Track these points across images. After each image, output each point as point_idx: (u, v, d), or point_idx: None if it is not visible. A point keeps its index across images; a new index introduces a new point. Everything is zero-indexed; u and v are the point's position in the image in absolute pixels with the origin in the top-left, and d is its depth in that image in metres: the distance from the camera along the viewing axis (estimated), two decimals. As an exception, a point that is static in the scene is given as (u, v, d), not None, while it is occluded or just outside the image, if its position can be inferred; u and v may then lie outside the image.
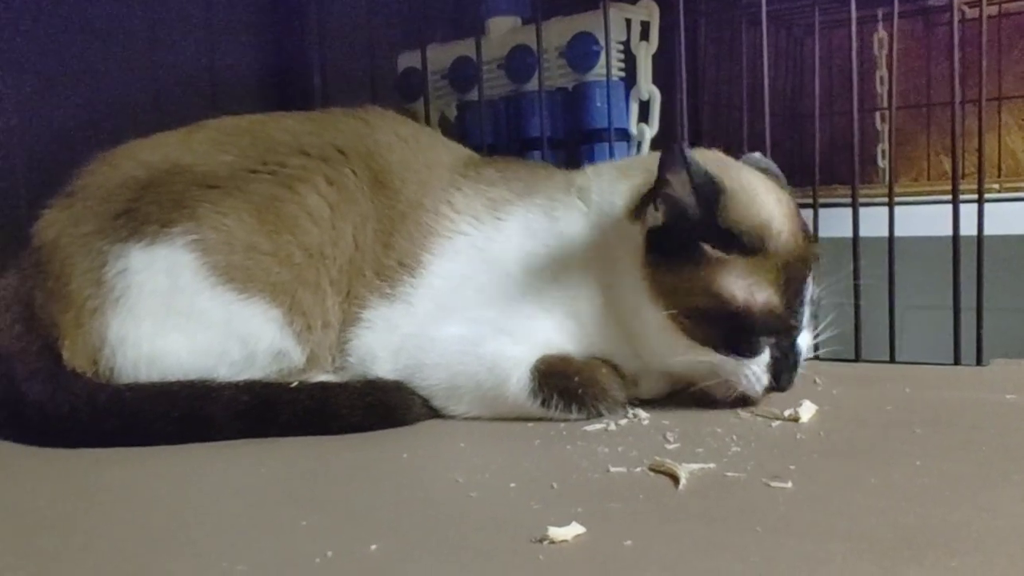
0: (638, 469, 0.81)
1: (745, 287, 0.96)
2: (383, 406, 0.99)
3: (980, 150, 1.31)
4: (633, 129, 1.54)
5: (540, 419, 0.99)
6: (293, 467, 0.88)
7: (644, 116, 1.54)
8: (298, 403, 0.97)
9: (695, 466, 0.80)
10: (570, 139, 1.56)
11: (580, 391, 0.98)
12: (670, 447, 0.87)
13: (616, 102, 1.49)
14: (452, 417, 1.02)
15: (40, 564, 0.66)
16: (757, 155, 1.16)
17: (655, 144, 1.53)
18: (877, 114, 2.30)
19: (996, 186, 1.87)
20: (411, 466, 0.87)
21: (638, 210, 1.02)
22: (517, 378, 0.98)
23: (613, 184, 1.07)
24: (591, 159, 1.45)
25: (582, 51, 1.50)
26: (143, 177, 1.05)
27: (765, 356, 0.98)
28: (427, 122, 1.60)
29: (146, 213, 1.01)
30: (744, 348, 0.97)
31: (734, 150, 1.13)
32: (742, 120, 1.43)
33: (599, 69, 1.49)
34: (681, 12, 1.38)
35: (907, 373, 1.24)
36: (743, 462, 0.82)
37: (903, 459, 0.81)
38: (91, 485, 0.85)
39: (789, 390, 1.01)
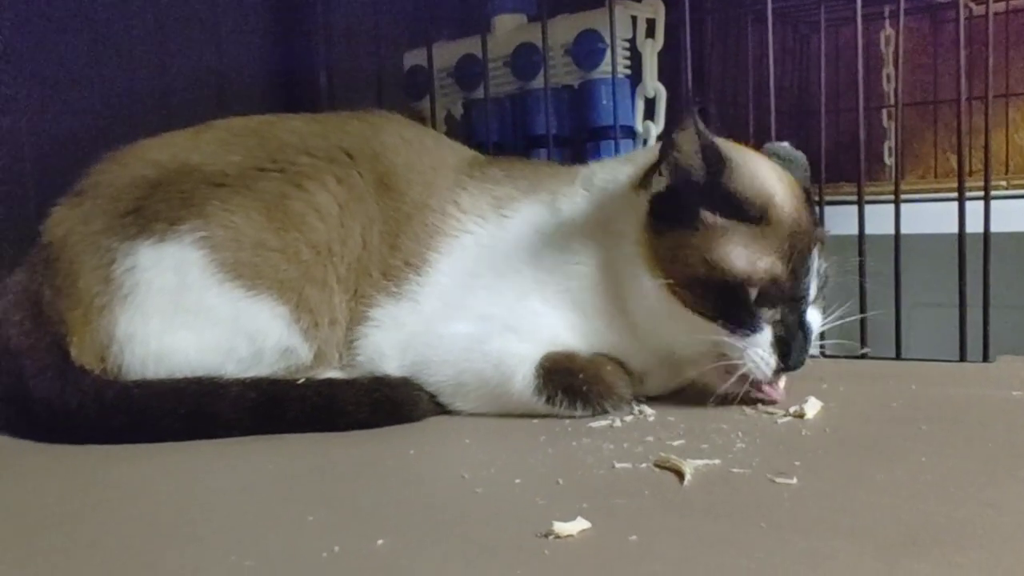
0: (643, 465, 0.81)
1: (745, 255, 0.96)
2: (390, 402, 0.99)
3: (987, 147, 1.30)
4: (639, 126, 1.54)
5: (545, 416, 0.99)
6: (300, 463, 0.88)
7: (650, 114, 1.54)
8: (305, 400, 0.98)
9: (700, 462, 0.80)
10: (576, 137, 1.56)
11: (585, 388, 0.99)
12: (675, 443, 0.87)
13: (622, 100, 1.49)
14: (458, 413, 1.02)
15: (48, 559, 0.66)
16: (785, 144, 1.15)
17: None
18: (884, 111, 2.30)
19: (1003, 183, 1.86)
20: (417, 462, 0.88)
21: (644, 180, 1.02)
22: (522, 375, 0.99)
23: (618, 168, 1.08)
24: (597, 156, 1.46)
25: (588, 49, 1.50)
26: (152, 176, 1.06)
27: (769, 336, 0.96)
28: (433, 120, 1.60)
29: (155, 211, 1.02)
30: (745, 320, 0.95)
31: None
32: (748, 117, 1.43)
33: (605, 67, 1.49)
34: (687, 9, 1.38)
35: (913, 370, 1.24)
36: (748, 458, 0.82)
37: (908, 455, 0.81)
38: (99, 481, 0.86)
39: (799, 368, 0.98)
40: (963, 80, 1.30)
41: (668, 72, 1.51)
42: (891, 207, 1.34)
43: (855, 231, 1.33)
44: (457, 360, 1.01)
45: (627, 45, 1.51)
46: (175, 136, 1.12)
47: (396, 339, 1.05)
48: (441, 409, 1.03)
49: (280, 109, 1.20)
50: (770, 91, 1.38)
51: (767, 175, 1.00)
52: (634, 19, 1.50)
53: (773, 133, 1.37)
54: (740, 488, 0.75)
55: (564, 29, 1.53)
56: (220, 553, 0.65)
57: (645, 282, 0.98)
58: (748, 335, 0.96)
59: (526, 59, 1.56)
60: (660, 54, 1.52)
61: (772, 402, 1.00)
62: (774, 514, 0.68)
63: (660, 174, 0.99)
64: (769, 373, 0.98)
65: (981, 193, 1.27)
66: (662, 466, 0.80)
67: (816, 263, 1.00)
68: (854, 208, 1.35)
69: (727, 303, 0.96)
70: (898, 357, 1.33)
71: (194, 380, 0.98)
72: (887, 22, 2.21)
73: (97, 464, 0.91)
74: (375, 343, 1.05)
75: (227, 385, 0.98)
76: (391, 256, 1.07)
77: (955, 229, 1.28)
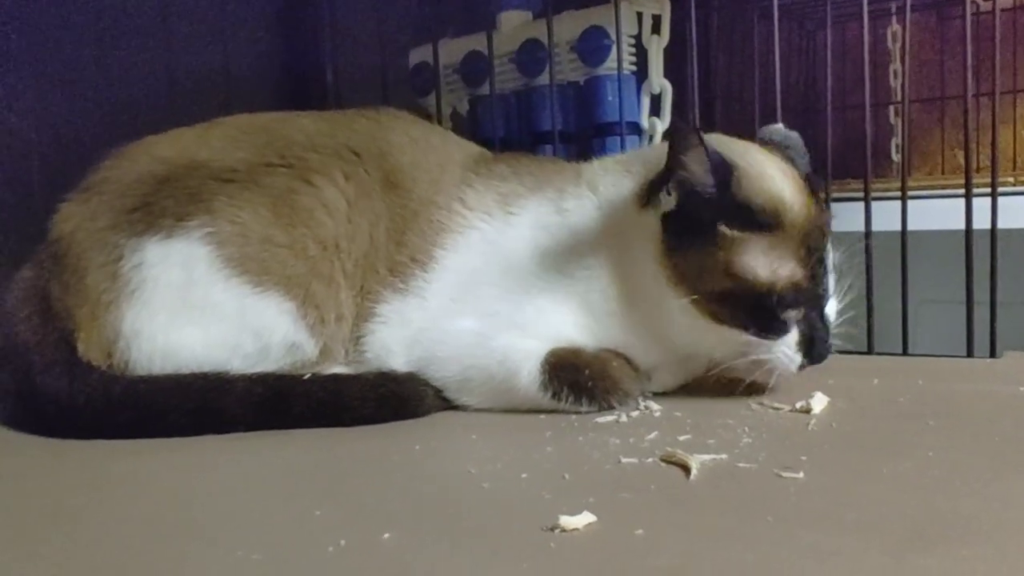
0: (650, 460, 0.81)
1: (767, 264, 0.96)
2: (396, 398, 0.99)
3: (994, 143, 1.30)
4: (644, 123, 1.54)
5: (551, 411, 0.99)
6: (306, 458, 0.89)
7: (656, 110, 1.54)
8: (311, 395, 0.98)
9: (707, 457, 0.80)
10: (581, 133, 1.56)
11: (590, 384, 0.99)
12: (682, 438, 0.87)
13: (627, 96, 1.49)
14: (464, 409, 1.02)
15: (55, 554, 0.67)
16: (779, 127, 1.15)
17: (666, 139, 1.52)
18: (891, 108, 2.30)
19: (1011, 179, 1.86)
20: (423, 457, 0.88)
21: (648, 198, 1.02)
22: (528, 371, 0.99)
23: (619, 175, 1.08)
24: (603, 153, 1.45)
25: (593, 45, 1.50)
26: (159, 172, 1.06)
27: (794, 334, 0.98)
28: (439, 117, 1.60)
29: (162, 207, 1.02)
30: (773, 326, 0.97)
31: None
32: (754, 114, 1.43)
33: (610, 63, 1.49)
34: (693, 5, 1.38)
35: (920, 365, 1.24)
36: (755, 453, 0.82)
37: (915, 450, 0.81)
38: (105, 476, 0.86)
39: (824, 361, 1.01)
40: (970, 76, 1.30)
41: (674, 68, 1.51)
42: (898, 204, 1.34)
43: (862, 228, 1.33)
44: (463, 356, 1.01)
45: (633, 41, 1.51)
46: (183, 132, 1.12)
47: (402, 335, 1.05)
48: (447, 405, 1.03)
49: (286, 106, 1.20)
50: (776, 87, 1.38)
51: (774, 175, 1.00)
52: (640, 15, 1.50)
53: (779, 130, 1.36)
54: (746, 483, 0.75)
55: (570, 25, 1.52)
56: (227, 547, 0.65)
57: (672, 301, 0.99)
58: (776, 337, 0.98)
59: (532, 56, 1.56)
60: (666, 50, 1.52)
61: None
62: (780, 509, 0.68)
63: (668, 192, 0.99)
64: (795, 369, 1.00)
65: (988, 189, 1.27)
66: (668, 461, 0.80)
67: (831, 257, 1.01)
68: (861, 205, 1.35)
69: (754, 312, 0.97)
70: (905, 353, 1.33)
71: (200, 375, 0.99)
72: (894, 18, 2.20)
73: (104, 459, 0.91)
74: (382, 339, 1.05)
75: (233, 380, 0.98)
76: (398, 253, 1.07)
77: (962, 225, 1.28)
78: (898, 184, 1.38)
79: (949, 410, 0.97)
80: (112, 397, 0.97)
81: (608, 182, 1.07)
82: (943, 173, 2.30)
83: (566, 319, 1.02)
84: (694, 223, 0.97)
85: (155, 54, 1.57)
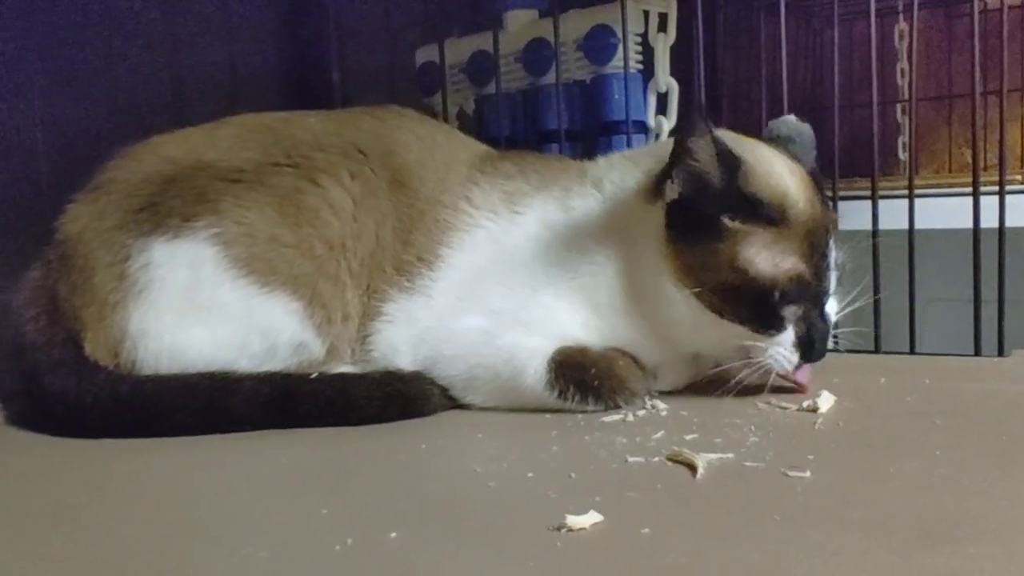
0: (656, 459, 0.81)
1: (769, 258, 0.96)
2: (402, 397, 0.99)
3: (1001, 141, 1.30)
4: (651, 121, 1.54)
5: (557, 410, 0.99)
6: (313, 457, 0.89)
7: (662, 108, 1.54)
8: (318, 394, 0.98)
9: (713, 456, 0.80)
10: (588, 132, 1.56)
11: (596, 383, 0.99)
12: (688, 437, 0.87)
13: (634, 94, 1.49)
14: (470, 408, 1.02)
15: (62, 552, 0.67)
16: (791, 118, 1.15)
17: (676, 128, 1.52)
18: (898, 106, 2.29)
19: (1019, 177, 1.85)
20: (430, 456, 0.88)
21: (654, 190, 1.02)
22: (534, 369, 0.99)
23: (626, 171, 1.07)
24: (609, 152, 1.45)
25: (600, 44, 1.50)
26: (166, 172, 1.06)
27: (791, 334, 0.98)
28: (445, 116, 1.60)
29: (169, 207, 1.03)
30: (772, 321, 0.97)
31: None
32: (761, 112, 1.42)
33: (617, 61, 1.48)
34: (699, 3, 1.38)
35: (927, 364, 1.23)
36: (761, 452, 0.82)
37: (922, 449, 0.81)
38: (113, 475, 0.86)
39: (821, 360, 1.01)
40: (978, 74, 1.29)
41: (680, 67, 1.51)
42: (905, 202, 1.34)
43: (869, 226, 1.33)
44: (469, 354, 1.01)
45: (639, 40, 1.50)
46: (189, 133, 1.12)
47: (409, 334, 1.05)
48: (453, 403, 1.03)
49: (293, 106, 1.20)
50: (783, 86, 1.38)
51: (779, 171, 1.00)
52: (646, 13, 1.50)
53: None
54: (753, 482, 0.75)
55: (576, 24, 1.52)
56: (234, 545, 0.66)
57: (673, 292, 0.99)
58: (773, 335, 0.98)
59: (538, 54, 1.56)
60: (672, 48, 1.51)
61: (800, 388, 1.02)
62: (787, 507, 0.68)
63: (672, 181, 0.99)
64: (790, 368, 1.00)
65: (996, 188, 1.27)
66: (675, 460, 0.80)
67: (834, 255, 1.00)
68: (868, 203, 1.34)
69: (753, 306, 0.97)
70: (912, 352, 1.33)
71: (207, 375, 0.99)
72: (901, 16, 2.19)
73: (110, 458, 0.91)
74: (388, 338, 1.06)
75: (240, 380, 0.98)
76: (404, 252, 1.07)
77: (970, 224, 1.27)
78: (905, 182, 1.38)
79: (956, 409, 0.97)
80: (119, 396, 0.97)
81: (614, 179, 1.07)
82: (950, 171, 2.29)
83: (572, 317, 1.02)
84: (698, 215, 0.97)
85: (161, 54, 1.58)
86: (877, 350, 1.32)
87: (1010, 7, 1.32)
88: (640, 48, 1.51)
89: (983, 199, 1.27)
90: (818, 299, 0.99)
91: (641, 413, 0.98)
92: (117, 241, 1.02)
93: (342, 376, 1.01)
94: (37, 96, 1.41)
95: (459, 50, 1.65)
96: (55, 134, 1.42)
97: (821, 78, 2.27)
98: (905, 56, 2.21)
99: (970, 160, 1.35)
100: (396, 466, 0.85)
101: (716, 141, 0.95)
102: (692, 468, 0.78)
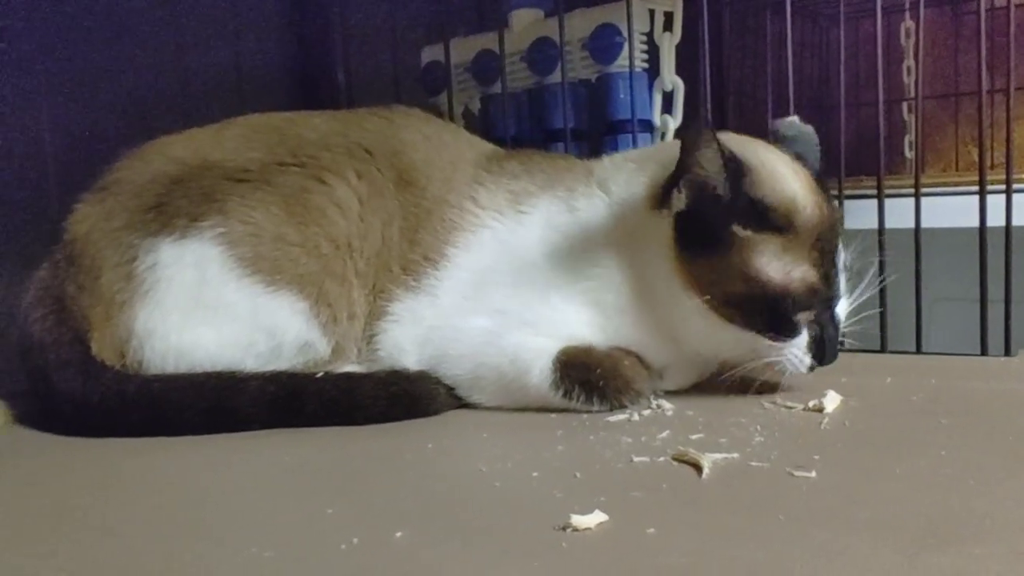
0: (661, 459, 0.81)
1: (780, 266, 0.96)
2: (407, 396, 0.99)
3: (1008, 140, 1.29)
4: (657, 120, 1.53)
5: (563, 410, 0.99)
6: (319, 457, 0.89)
7: (668, 107, 1.53)
8: (324, 394, 0.98)
9: (719, 456, 0.80)
10: (593, 131, 1.55)
11: (602, 383, 0.99)
12: (693, 437, 0.87)
13: (639, 93, 1.49)
14: (476, 407, 1.02)
15: (71, 550, 0.67)
16: (794, 119, 1.14)
17: (678, 137, 1.52)
18: (904, 104, 2.28)
19: (1025, 176, 1.84)
20: (435, 456, 0.88)
21: (660, 198, 1.02)
22: (539, 369, 0.99)
23: (632, 175, 1.07)
24: (615, 151, 1.45)
25: (605, 43, 1.50)
26: (173, 172, 1.06)
27: (805, 336, 0.98)
28: (450, 115, 1.61)
29: (176, 207, 1.03)
30: (786, 328, 0.97)
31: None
32: (767, 111, 1.42)
33: (622, 60, 1.48)
34: (705, 2, 1.38)
35: (933, 364, 1.23)
36: (767, 452, 0.82)
37: (928, 449, 0.81)
38: (120, 474, 0.87)
39: (834, 363, 1.01)
40: (984, 72, 1.29)
41: (686, 66, 1.50)
42: (911, 201, 1.33)
43: (875, 225, 1.32)
44: (474, 354, 1.01)
45: (644, 39, 1.50)
46: (196, 133, 1.13)
47: (415, 333, 1.05)
48: (459, 403, 1.03)
49: (299, 106, 1.21)
50: (789, 84, 1.38)
51: (786, 175, 1.00)
52: (652, 12, 1.50)
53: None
54: (758, 482, 0.75)
55: (581, 23, 1.52)
56: (240, 544, 0.66)
57: (684, 300, 0.98)
58: (787, 340, 0.98)
59: (543, 54, 1.56)
60: (678, 47, 1.51)
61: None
62: (793, 507, 0.68)
63: (679, 191, 0.99)
64: (804, 370, 1.00)
65: (1003, 186, 1.26)
66: (680, 460, 0.80)
67: (842, 257, 1.01)
68: (874, 202, 1.34)
69: (766, 314, 0.97)
70: (918, 351, 1.32)
71: (213, 374, 0.99)
72: (907, 14, 2.19)
73: (118, 457, 0.92)
74: (394, 338, 1.06)
75: (246, 379, 0.98)
76: (410, 251, 1.07)
77: (976, 223, 1.27)
78: (911, 181, 1.37)
79: (963, 408, 0.97)
80: (126, 396, 0.98)
81: (620, 180, 1.07)
82: (957, 170, 2.28)
83: (578, 317, 1.02)
84: (707, 224, 0.97)
85: (167, 55, 1.58)
86: (883, 349, 1.32)
87: (1017, 5, 1.32)
88: (645, 47, 1.50)
89: (990, 198, 1.27)
90: (829, 302, 0.99)
91: (646, 413, 0.98)
92: (124, 241, 1.03)
93: (348, 375, 1.02)
94: (44, 97, 1.41)
95: (464, 49, 1.65)
96: (62, 135, 1.43)
97: (827, 76, 2.27)
98: (911, 54, 2.20)
99: (976, 158, 1.35)
100: (402, 465, 0.85)
101: (722, 150, 0.95)
102: (697, 468, 0.78)
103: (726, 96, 1.99)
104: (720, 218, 0.97)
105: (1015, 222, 1.26)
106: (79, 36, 1.46)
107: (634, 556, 0.61)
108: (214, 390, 0.98)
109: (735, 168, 0.96)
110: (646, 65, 1.51)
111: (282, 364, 1.02)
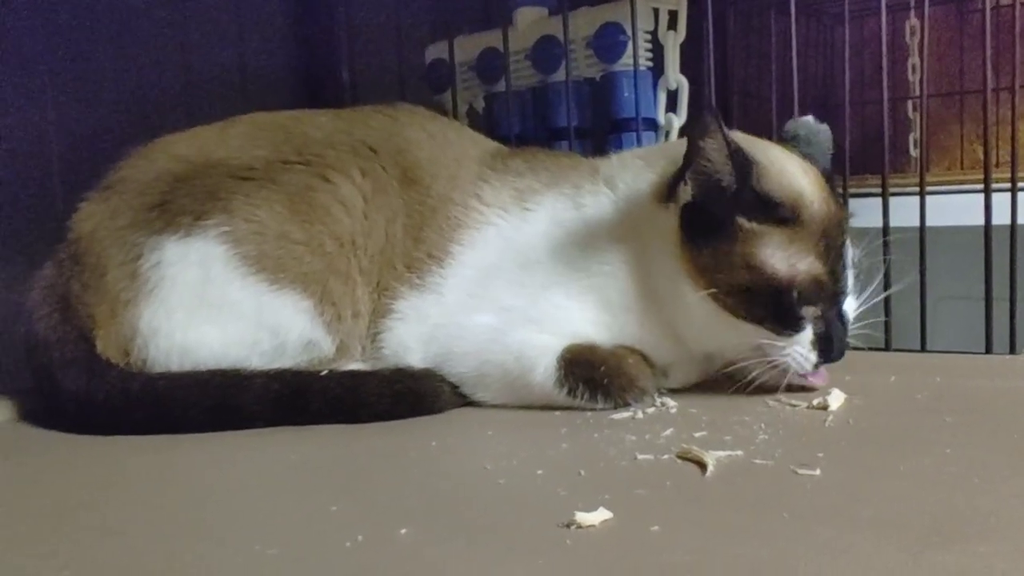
0: (665, 456, 0.81)
1: (785, 258, 0.96)
2: (412, 394, 1.00)
3: (1013, 138, 1.29)
4: (661, 119, 1.53)
5: (567, 408, 0.99)
6: (323, 454, 0.89)
7: (672, 106, 1.53)
8: (328, 391, 0.98)
9: (722, 453, 0.80)
10: (598, 129, 1.56)
11: (606, 381, 0.98)
12: (698, 435, 0.87)
13: (644, 92, 1.49)
14: (481, 405, 1.03)
15: (73, 549, 0.67)
16: (809, 119, 1.14)
17: (683, 134, 1.52)
18: (909, 103, 2.28)
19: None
20: (440, 453, 0.88)
21: (667, 192, 1.01)
22: (544, 367, 0.99)
23: (639, 171, 1.07)
24: (619, 149, 1.45)
25: (609, 41, 1.50)
26: (178, 170, 1.07)
27: (810, 334, 0.98)
28: (455, 113, 1.61)
29: (180, 206, 1.03)
30: (789, 321, 0.97)
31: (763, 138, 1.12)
32: (771, 110, 1.42)
33: (626, 59, 1.48)
34: (709, 1, 1.38)
35: (938, 362, 1.23)
36: (771, 449, 0.82)
37: (933, 447, 0.81)
38: (124, 472, 0.87)
39: (840, 360, 1.00)
40: (989, 70, 1.29)
41: (690, 64, 1.50)
42: (916, 199, 1.33)
43: (880, 224, 1.32)
44: (479, 351, 1.01)
45: (649, 37, 1.50)
46: (201, 131, 1.13)
47: (419, 331, 1.05)
48: (463, 401, 1.03)
49: (303, 104, 1.21)
50: (794, 83, 1.38)
51: (793, 171, 1.00)
52: (656, 11, 1.50)
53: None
54: (762, 479, 0.75)
55: (585, 22, 1.52)
56: (244, 542, 0.66)
57: (688, 294, 0.98)
58: (791, 335, 0.97)
59: (547, 52, 1.56)
60: (682, 46, 1.51)
61: (813, 389, 1.01)
62: (797, 505, 0.68)
63: (685, 183, 0.98)
64: (809, 368, 0.99)
65: (1008, 185, 1.26)
66: (684, 457, 0.80)
67: (850, 253, 1.00)
68: (879, 200, 1.34)
69: (771, 307, 0.96)
70: (923, 349, 1.32)
71: (218, 372, 0.99)
72: (912, 12, 2.18)
73: (122, 455, 0.92)
74: (399, 335, 1.06)
75: (251, 377, 0.98)
76: (415, 249, 1.07)
77: (981, 221, 1.27)
78: (916, 180, 1.37)
79: (967, 407, 0.96)
80: (130, 394, 0.98)
81: (626, 177, 1.07)
82: (962, 168, 2.28)
83: (582, 315, 1.02)
84: (712, 216, 0.97)
85: (172, 54, 1.58)
86: (888, 347, 1.32)
87: (1022, 3, 1.31)
88: (650, 46, 1.51)
89: (995, 196, 1.27)
90: (836, 298, 0.99)
91: (651, 410, 0.98)
92: (129, 240, 1.03)
93: (352, 373, 1.02)
94: (48, 96, 1.42)
95: (469, 48, 1.65)
96: (67, 134, 1.43)
97: (832, 75, 2.26)
98: (916, 52, 2.20)
99: (982, 157, 1.34)
100: (406, 463, 0.85)
101: (728, 142, 0.95)
102: (701, 465, 0.78)
103: (730, 95, 1.99)
104: (726, 209, 0.96)
105: (1020, 220, 1.26)
106: (83, 35, 1.46)
107: (638, 553, 0.61)
108: (218, 388, 0.98)
109: (741, 160, 0.96)
110: (650, 64, 1.51)
111: (286, 362, 1.03)
